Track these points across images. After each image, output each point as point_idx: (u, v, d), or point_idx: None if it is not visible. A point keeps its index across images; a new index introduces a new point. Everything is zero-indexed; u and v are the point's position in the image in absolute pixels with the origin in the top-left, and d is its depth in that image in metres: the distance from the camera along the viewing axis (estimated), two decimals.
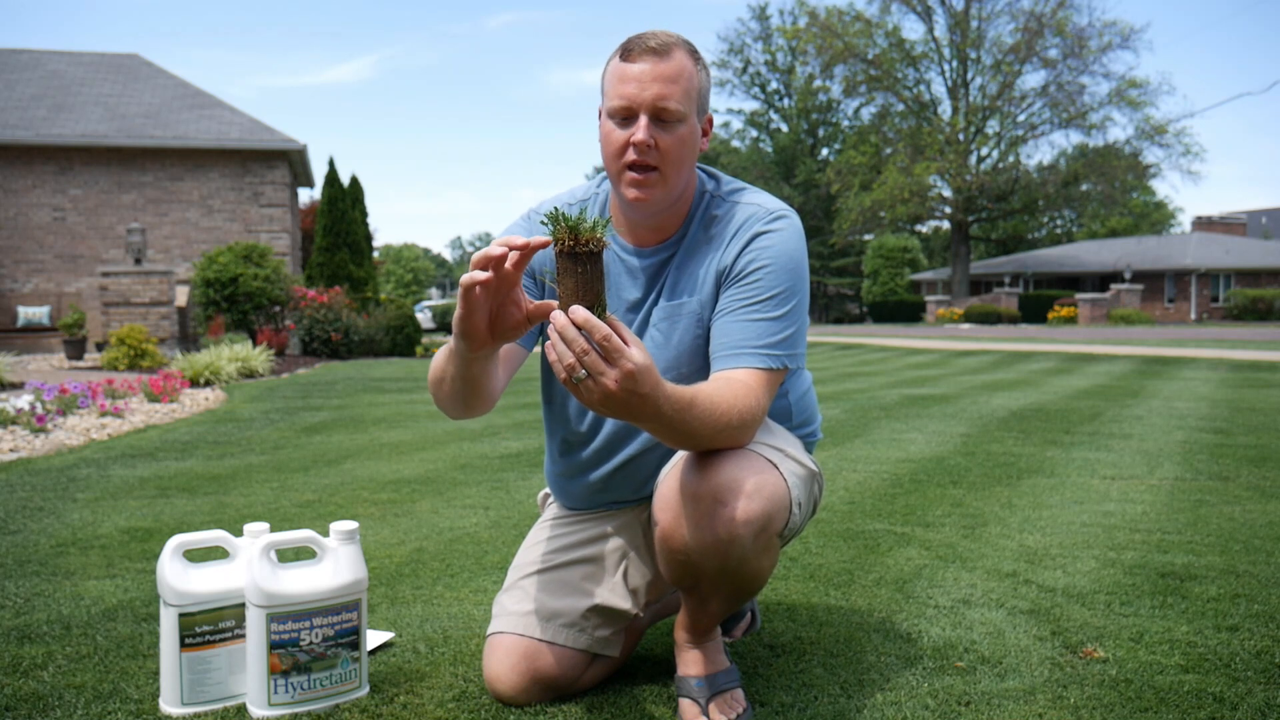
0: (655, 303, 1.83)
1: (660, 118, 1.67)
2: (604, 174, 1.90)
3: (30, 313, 17.15)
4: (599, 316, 1.38)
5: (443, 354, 1.67)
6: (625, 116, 1.69)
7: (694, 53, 1.73)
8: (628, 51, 1.69)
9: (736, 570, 1.65)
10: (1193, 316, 38.84)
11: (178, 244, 18.50)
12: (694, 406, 1.52)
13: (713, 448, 1.61)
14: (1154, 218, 59.94)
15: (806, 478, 1.75)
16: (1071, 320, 34.20)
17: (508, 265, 1.45)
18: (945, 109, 43.02)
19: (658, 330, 1.82)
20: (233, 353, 10.61)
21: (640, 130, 1.67)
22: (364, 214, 18.15)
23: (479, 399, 1.68)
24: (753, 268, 1.74)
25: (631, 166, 1.69)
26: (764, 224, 1.77)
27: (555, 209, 1.42)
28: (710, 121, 1.80)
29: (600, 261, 1.40)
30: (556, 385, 1.95)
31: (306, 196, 28.83)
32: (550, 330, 1.40)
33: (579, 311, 1.37)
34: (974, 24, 41.03)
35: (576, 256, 1.39)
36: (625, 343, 1.39)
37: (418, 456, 4.98)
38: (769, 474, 1.64)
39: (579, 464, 1.96)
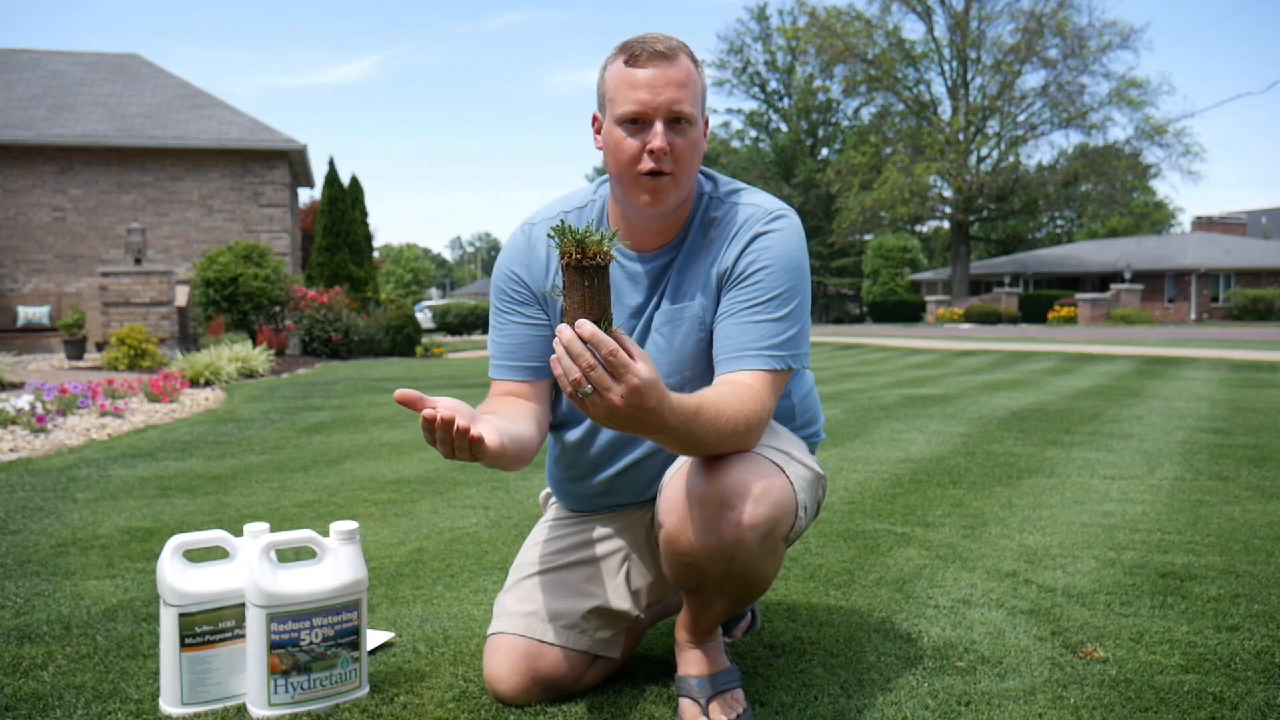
0: (657, 307, 1.83)
1: (674, 122, 1.67)
2: (603, 178, 1.89)
3: (30, 313, 17.16)
4: (605, 330, 1.38)
5: None
6: (637, 122, 1.68)
7: (693, 55, 1.73)
8: (634, 57, 1.67)
9: (742, 574, 1.65)
10: (1193, 316, 38.84)
11: (178, 244, 18.51)
12: (699, 415, 1.52)
13: (719, 453, 1.61)
14: (1154, 218, 59.93)
15: (812, 480, 1.75)
16: (1071, 320, 34.19)
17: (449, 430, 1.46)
18: (945, 109, 43.01)
19: (660, 335, 1.82)
20: (233, 353, 10.61)
21: (658, 137, 1.66)
22: (364, 214, 18.15)
23: (520, 459, 1.69)
24: (753, 269, 1.73)
25: (650, 173, 1.69)
26: (763, 224, 1.76)
27: (562, 222, 1.41)
28: (707, 121, 1.80)
29: (607, 275, 1.40)
30: (559, 391, 1.95)
31: (306, 196, 28.83)
32: (556, 344, 1.39)
33: (585, 326, 1.36)
34: (974, 24, 41.01)
35: (583, 270, 1.38)
36: (632, 357, 1.38)
37: (418, 456, 4.98)
38: (775, 478, 1.64)
39: (581, 468, 1.96)
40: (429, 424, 1.45)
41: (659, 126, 1.66)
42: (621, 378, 1.37)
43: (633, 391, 1.38)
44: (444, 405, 1.47)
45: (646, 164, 1.68)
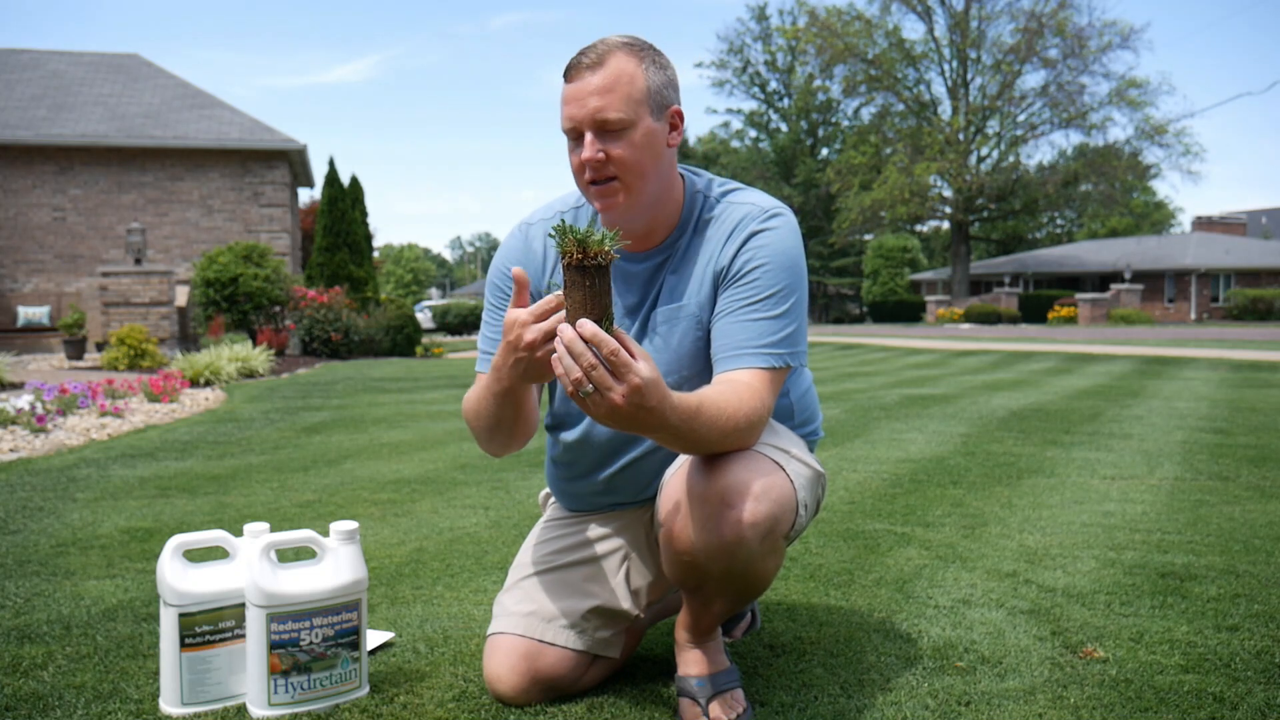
0: (653, 307, 1.83)
1: (603, 130, 1.66)
2: None
3: (30, 313, 17.15)
4: (606, 329, 1.37)
5: (480, 397, 1.75)
6: (575, 137, 1.69)
7: (638, 52, 1.70)
8: (567, 71, 1.70)
9: (742, 572, 1.65)
10: (1193, 316, 38.83)
11: (178, 244, 18.51)
12: (700, 414, 1.52)
13: (719, 451, 1.61)
14: (1154, 218, 59.92)
15: (812, 479, 1.75)
16: (1071, 320, 34.19)
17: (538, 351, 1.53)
18: (945, 109, 43.02)
19: (657, 334, 1.82)
20: (233, 353, 10.61)
21: (586, 148, 1.66)
22: (364, 214, 18.16)
23: (525, 433, 1.77)
24: (750, 267, 1.73)
25: (593, 182, 1.70)
26: (759, 223, 1.76)
27: (563, 221, 1.41)
28: (679, 115, 1.76)
29: (608, 274, 1.39)
30: (558, 389, 1.95)
31: (306, 196, 28.83)
32: (557, 343, 1.39)
33: (587, 325, 1.36)
34: (974, 24, 41.01)
35: (585, 270, 1.38)
36: (633, 356, 1.39)
37: (418, 456, 4.98)
38: (775, 476, 1.64)
39: (580, 467, 1.96)
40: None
41: (589, 137, 1.66)
42: (623, 377, 1.37)
43: (634, 391, 1.38)
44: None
45: (587, 175, 1.69)
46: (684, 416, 1.48)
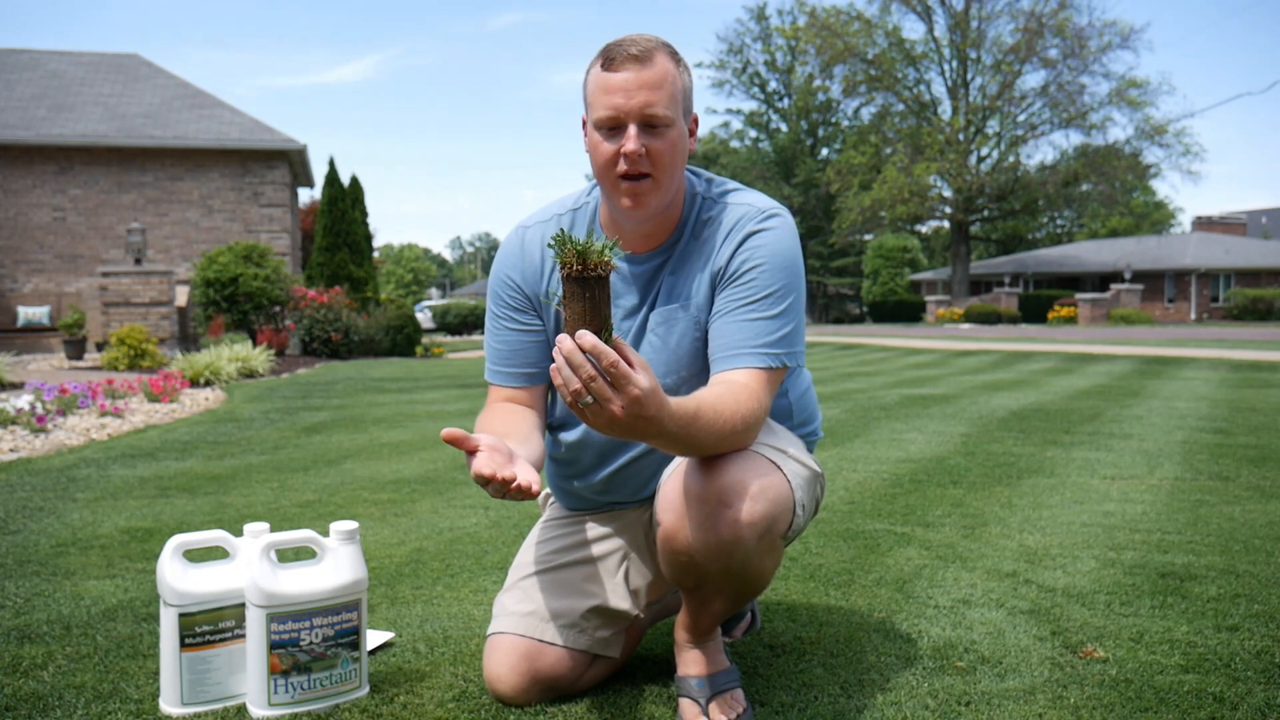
0: (652, 308, 1.83)
1: (649, 125, 1.67)
2: (595, 181, 1.89)
3: (30, 313, 17.16)
4: (605, 340, 1.36)
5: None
6: (613, 127, 1.68)
7: (674, 54, 1.72)
8: (609, 60, 1.67)
9: (740, 572, 1.65)
10: (1193, 316, 38.83)
11: (178, 244, 18.51)
12: (698, 419, 1.51)
13: (717, 453, 1.61)
14: (1154, 218, 59.88)
15: (809, 479, 1.75)
16: (1071, 320, 34.18)
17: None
18: (945, 109, 43.01)
19: (655, 335, 1.82)
20: (233, 353, 10.61)
21: (630, 141, 1.66)
22: (364, 214, 18.15)
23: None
24: (747, 267, 1.73)
25: (624, 176, 1.69)
26: (756, 223, 1.76)
27: (562, 231, 1.41)
28: (696, 121, 1.79)
29: (607, 285, 1.38)
30: (556, 392, 1.95)
31: (306, 196, 28.83)
32: (556, 354, 1.38)
33: (586, 337, 1.35)
34: (974, 24, 41.01)
35: (584, 281, 1.36)
36: (632, 367, 1.38)
37: (418, 456, 4.98)
38: (773, 475, 1.64)
39: (579, 467, 1.96)
40: (484, 480, 1.47)
41: (632, 130, 1.66)
42: (622, 388, 1.37)
43: (633, 402, 1.38)
44: (485, 444, 1.50)
45: (621, 167, 1.68)
46: (682, 423, 1.48)
